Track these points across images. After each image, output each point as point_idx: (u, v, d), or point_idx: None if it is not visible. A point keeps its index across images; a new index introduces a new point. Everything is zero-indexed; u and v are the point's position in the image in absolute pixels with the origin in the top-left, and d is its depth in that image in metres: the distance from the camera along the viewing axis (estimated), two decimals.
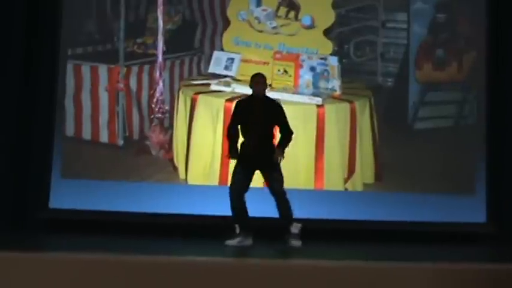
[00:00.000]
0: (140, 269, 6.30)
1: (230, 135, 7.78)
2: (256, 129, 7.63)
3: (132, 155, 9.23)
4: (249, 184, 7.64)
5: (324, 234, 8.46)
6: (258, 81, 7.78)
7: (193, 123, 8.84)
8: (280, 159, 7.62)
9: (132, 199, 8.92)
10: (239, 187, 7.59)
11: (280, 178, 7.66)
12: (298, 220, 7.67)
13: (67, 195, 9.00)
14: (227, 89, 8.78)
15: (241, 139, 7.75)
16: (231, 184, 7.68)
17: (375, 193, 9.17)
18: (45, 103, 9.17)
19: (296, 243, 7.58)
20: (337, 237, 8.52)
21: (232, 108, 7.98)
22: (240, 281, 6.09)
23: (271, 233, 7.64)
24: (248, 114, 7.67)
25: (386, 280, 6.24)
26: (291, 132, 7.76)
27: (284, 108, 7.82)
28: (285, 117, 7.76)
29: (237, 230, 7.58)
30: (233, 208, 7.58)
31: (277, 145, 7.68)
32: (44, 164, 9.07)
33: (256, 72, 7.90)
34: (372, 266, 6.61)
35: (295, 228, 7.60)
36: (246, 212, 7.60)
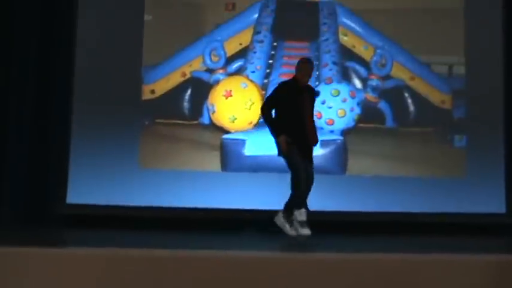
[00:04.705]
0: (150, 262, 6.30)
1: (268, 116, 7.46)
2: (308, 111, 7.47)
3: None
4: None
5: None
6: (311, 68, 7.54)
7: None
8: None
9: None
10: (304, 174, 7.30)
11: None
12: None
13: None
14: None
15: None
16: (297, 170, 7.28)
17: None
18: (63, 96, 9.23)
19: (306, 231, 7.21)
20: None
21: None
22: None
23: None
24: (297, 96, 7.43)
25: (401, 272, 6.22)
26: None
27: None
28: None
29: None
30: (300, 194, 7.29)
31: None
32: (62, 160, 9.17)
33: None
34: (387, 257, 6.58)
35: (300, 215, 7.25)
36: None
